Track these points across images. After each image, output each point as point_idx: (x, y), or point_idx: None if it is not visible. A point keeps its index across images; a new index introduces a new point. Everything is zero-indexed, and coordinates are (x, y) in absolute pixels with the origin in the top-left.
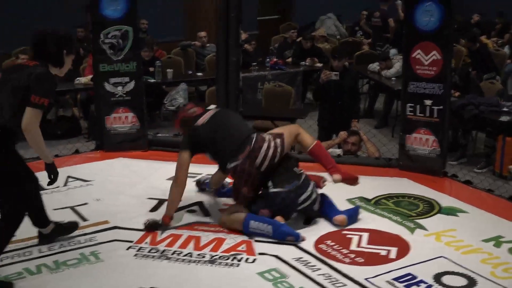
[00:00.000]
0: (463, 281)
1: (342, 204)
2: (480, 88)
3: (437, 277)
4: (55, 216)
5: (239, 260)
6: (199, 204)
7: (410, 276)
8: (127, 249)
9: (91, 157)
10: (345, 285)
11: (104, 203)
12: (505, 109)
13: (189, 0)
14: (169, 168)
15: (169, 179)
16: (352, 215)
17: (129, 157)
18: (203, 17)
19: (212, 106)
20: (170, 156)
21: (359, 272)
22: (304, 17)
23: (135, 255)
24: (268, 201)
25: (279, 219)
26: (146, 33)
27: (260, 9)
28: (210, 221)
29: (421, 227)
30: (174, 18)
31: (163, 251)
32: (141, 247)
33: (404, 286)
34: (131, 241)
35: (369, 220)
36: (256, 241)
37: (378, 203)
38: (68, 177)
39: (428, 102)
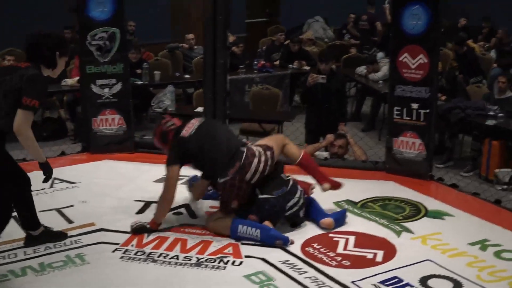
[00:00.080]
0: (449, 284)
1: (329, 207)
2: (466, 92)
3: (423, 280)
4: (41, 218)
5: (226, 263)
6: (186, 206)
7: (397, 279)
8: (113, 251)
9: (77, 159)
10: None
11: (90, 205)
12: (491, 113)
13: (176, 2)
14: (156, 170)
15: (156, 181)
16: (339, 218)
17: (115, 159)
18: (191, 20)
19: (200, 109)
20: (157, 158)
21: (346, 275)
22: (291, 20)
23: (121, 257)
24: (257, 207)
25: (267, 224)
26: (134, 35)
27: (248, 11)
28: (196, 224)
29: (408, 230)
30: (162, 20)
31: (149, 253)
32: (127, 250)
33: None
34: (117, 244)
35: (355, 223)
36: (243, 243)
37: (365, 206)
38: (54, 179)
39: (414, 105)
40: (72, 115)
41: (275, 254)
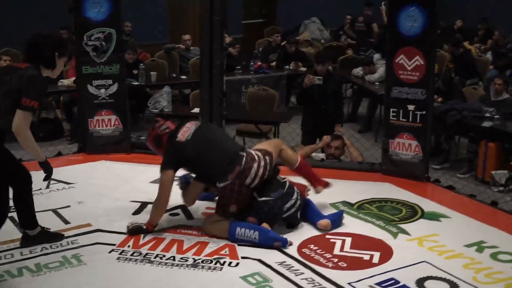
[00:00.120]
0: (446, 286)
1: (325, 208)
2: (463, 94)
3: (420, 282)
4: (37, 218)
5: (222, 264)
6: (182, 207)
7: (393, 281)
8: (110, 252)
9: (74, 160)
10: None
11: (87, 205)
12: (487, 114)
13: (173, 3)
14: (152, 171)
15: (152, 182)
16: (336, 220)
17: (112, 160)
18: (188, 20)
19: (196, 110)
20: (153, 159)
21: (342, 277)
22: (288, 21)
23: (118, 258)
24: (255, 209)
25: (265, 226)
26: (130, 36)
27: (245, 12)
28: (193, 225)
29: (404, 232)
30: (158, 21)
31: (146, 254)
32: (123, 250)
33: None
34: (113, 244)
35: (352, 224)
36: (239, 245)
37: (361, 208)
38: (51, 179)
39: (411, 107)
40: (68, 116)
41: (272, 255)
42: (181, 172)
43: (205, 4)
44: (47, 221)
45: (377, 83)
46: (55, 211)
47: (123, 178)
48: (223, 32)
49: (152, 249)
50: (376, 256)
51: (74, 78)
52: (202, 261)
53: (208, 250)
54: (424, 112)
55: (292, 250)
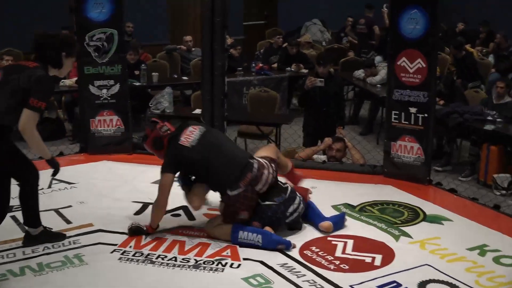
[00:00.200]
0: None
1: (327, 210)
2: (464, 97)
3: (422, 285)
4: None
5: (224, 265)
6: (184, 208)
7: (395, 284)
8: (111, 252)
9: (76, 160)
10: None
11: (88, 206)
12: (489, 118)
13: (175, 4)
14: (154, 172)
15: (153, 182)
16: (338, 222)
17: (113, 160)
18: (189, 21)
19: (198, 111)
20: (154, 159)
21: (344, 279)
22: (289, 22)
23: (119, 258)
24: (259, 214)
25: (267, 229)
26: (132, 36)
27: (246, 14)
28: (195, 225)
29: (406, 234)
30: (160, 21)
31: (148, 255)
32: (125, 251)
33: None
34: (115, 244)
35: (354, 227)
36: (241, 246)
37: (363, 210)
38: (53, 179)
39: (413, 109)
40: (70, 116)
41: (274, 257)
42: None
43: (206, 5)
44: (49, 220)
45: (378, 86)
46: (57, 211)
47: (125, 178)
48: (224, 33)
49: (153, 250)
50: (378, 258)
51: (76, 78)
52: (204, 262)
53: (210, 251)
54: (426, 115)
55: (294, 252)
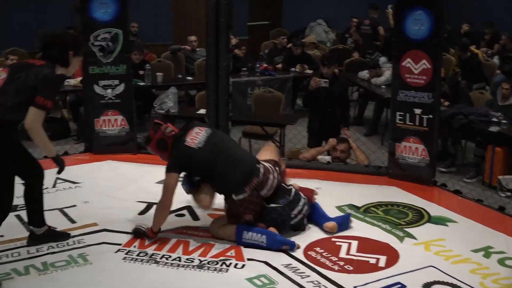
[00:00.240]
0: None
1: (331, 211)
2: (469, 98)
3: (426, 287)
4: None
5: (228, 266)
6: (188, 208)
7: (399, 285)
8: (116, 252)
9: (80, 159)
10: None
11: (93, 205)
12: (494, 119)
13: (179, 3)
14: (158, 171)
15: (158, 182)
16: (343, 222)
17: (118, 160)
18: (193, 21)
19: (202, 111)
20: (159, 159)
21: (348, 280)
22: (293, 23)
23: (124, 258)
24: (265, 216)
25: (272, 230)
26: (137, 36)
27: (250, 14)
28: (199, 226)
29: (411, 236)
30: (164, 21)
31: (152, 255)
32: (129, 250)
33: None
34: (119, 244)
35: (358, 228)
36: (245, 246)
37: (368, 211)
38: (57, 178)
39: (417, 111)
40: (75, 115)
41: (278, 258)
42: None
43: (211, 5)
44: (53, 220)
45: (383, 86)
46: (61, 210)
47: (129, 178)
48: (229, 33)
49: (158, 250)
50: (382, 260)
51: (80, 78)
52: (208, 262)
53: (214, 251)
54: (431, 116)
55: (298, 252)
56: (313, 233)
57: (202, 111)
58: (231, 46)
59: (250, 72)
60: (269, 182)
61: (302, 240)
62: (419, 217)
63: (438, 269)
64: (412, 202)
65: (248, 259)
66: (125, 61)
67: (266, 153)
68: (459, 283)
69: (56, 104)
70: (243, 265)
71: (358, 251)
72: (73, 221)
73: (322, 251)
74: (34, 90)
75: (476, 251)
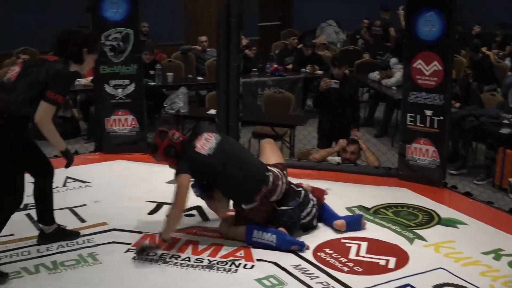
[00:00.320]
0: None
1: (341, 212)
2: (480, 100)
3: None
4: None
5: (237, 266)
6: (198, 208)
7: (409, 287)
8: (125, 251)
9: (91, 159)
10: None
11: (103, 205)
12: (505, 121)
13: (190, 4)
14: (168, 172)
15: (168, 182)
16: (352, 222)
17: (128, 160)
18: (204, 22)
19: (212, 111)
20: None
21: (358, 282)
22: (304, 23)
23: (133, 257)
24: (276, 219)
25: (282, 230)
26: (147, 36)
27: (260, 14)
28: (208, 226)
29: (420, 237)
30: (175, 21)
31: (161, 254)
32: None
33: None
34: (129, 244)
35: (368, 229)
36: (254, 247)
37: (377, 212)
38: (67, 178)
39: (428, 112)
40: (85, 115)
41: (287, 258)
42: None
43: (222, 6)
44: (63, 219)
45: (394, 88)
46: (71, 209)
47: (140, 178)
48: (239, 33)
49: (167, 250)
50: (392, 261)
51: (91, 78)
52: (217, 263)
53: (223, 251)
54: (441, 118)
55: (308, 253)
56: (322, 234)
57: (212, 111)
58: (242, 46)
59: (261, 72)
60: (278, 189)
61: (312, 240)
62: (429, 219)
63: (448, 271)
64: (422, 203)
65: (258, 260)
66: (135, 61)
67: (271, 156)
68: (469, 286)
69: (66, 104)
70: (252, 266)
71: (367, 252)
72: (83, 220)
73: (332, 252)
74: (45, 85)
75: (486, 253)
